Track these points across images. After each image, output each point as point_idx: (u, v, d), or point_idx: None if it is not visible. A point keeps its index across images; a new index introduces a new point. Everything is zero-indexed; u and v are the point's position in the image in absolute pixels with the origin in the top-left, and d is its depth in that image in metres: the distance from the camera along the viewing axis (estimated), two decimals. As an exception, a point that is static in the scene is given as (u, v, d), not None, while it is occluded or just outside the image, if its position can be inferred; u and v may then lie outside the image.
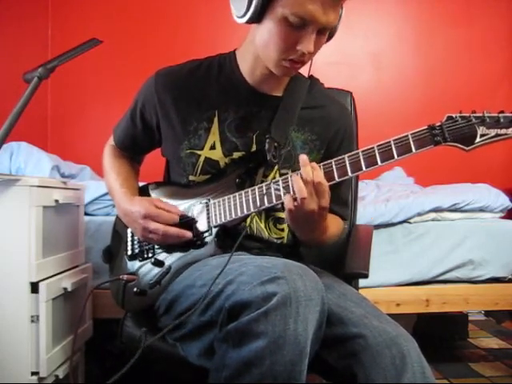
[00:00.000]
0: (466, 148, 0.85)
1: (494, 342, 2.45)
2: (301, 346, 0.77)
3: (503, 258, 1.97)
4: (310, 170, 0.90)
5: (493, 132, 0.84)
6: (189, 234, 1.05)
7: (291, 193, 0.93)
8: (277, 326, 0.76)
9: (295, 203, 0.91)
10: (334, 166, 0.92)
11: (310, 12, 0.92)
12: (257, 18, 0.97)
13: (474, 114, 0.85)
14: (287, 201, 0.93)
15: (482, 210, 2.05)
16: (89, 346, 1.67)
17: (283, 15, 0.93)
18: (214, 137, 1.11)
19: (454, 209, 2.02)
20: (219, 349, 0.82)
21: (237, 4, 0.99)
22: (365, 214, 1.90)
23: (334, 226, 1.14)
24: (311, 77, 1.18)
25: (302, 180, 0.90)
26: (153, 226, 1.05)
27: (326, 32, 0.99)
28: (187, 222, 1.08)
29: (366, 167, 0.90)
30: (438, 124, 0.86)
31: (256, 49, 1.04)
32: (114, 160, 1.25)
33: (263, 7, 0.94)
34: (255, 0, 0.94)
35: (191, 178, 1.13)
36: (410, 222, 1.98)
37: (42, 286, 1.31)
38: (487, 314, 2.60)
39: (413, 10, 3.02)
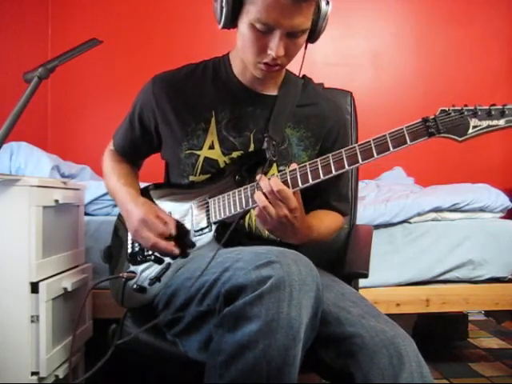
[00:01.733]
0: (459, 139, 0.87)
1: (494, 342, 2.45)
2: (294, 330, 0.77)
3: (503, 257, 1.97)
4: (267, 181, 0.93)
5: (485, 123, 0.86)
6: (176, 252, 1.06)
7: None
8: (270, 309, 0.77)
9: (263, 213, 0.94)
10: (331, 160, 0.94)
11: (271, 18, 0.94)
12: (230, 24, 1.02)
13: (467, 107, 0.87)
14: (257, 214, 0.95)
15: (482, 210, 2.05)
16: (89, 346, 1.67)
17: (250, 22, 0.97)
18: (212, 137, 1.12)
19: (453, 209, 2.02)
20: (216, 334, 0.83)
21: (215, 11, 1.03)
22: (365, 214, 1.90)
23: (329, 221, 1.16)
24: (304, 76, 1.21)
25: (263, 193, 0.94)
26: (144, 233, 1.06)
27: (301, 34, 1.00)
28: (182, 230, 1.09)
29: (363, 160, 0.91)
30: (432, 117, 0.88)
31: None
32: (114, 163, 1.26)
33: (234, 14, 0.99)
34: (225, 8, 0.98)
35: (191, 178, 1.13)
36: (410, 222, 1.98)
37: (42, 286, 1.31)
38: (487, 314, 2.60)
39: (413, 9, 3.02)
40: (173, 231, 1.07)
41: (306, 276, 0.82)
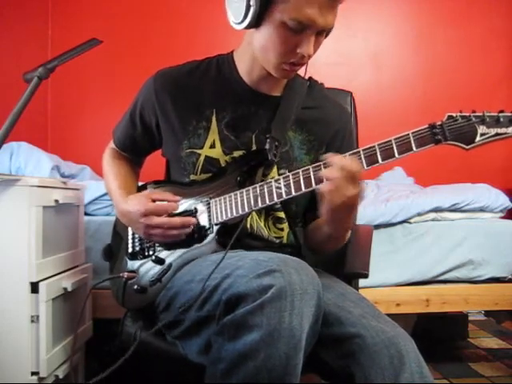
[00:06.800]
0: (466, 147, 0.86)
1: (494, 342, 2.45)
2: (296, 339, 0.77)
3: (503, 257, 1.97)
4: (342, 158, 0.90)
5: (493, 131, 0.85)
6: (193, 220, 1.05)
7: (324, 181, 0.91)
8: (272, 318, 0.77)
9: (330, 188, 0.89)
10: None
11: (308, 16, 0.92)
12: (255, 23, 0.97)
13: (474, 114, 0.85)
14: (329, 188, 0.90)
15: (482, 210, 2.05)
16: (89, 346, 1.67)
17: (281, 20, 0.94)
18: (214, 135, 1.11)
19: (454, 209, 2.02)
20: (215, 342, 0.83)
21: (234, 11, 0.99)
22: (365, 213, 1.90)
23: None
24: (310, 78, 1.19)
25: (336, 167, 0.88)
26: (156, 220, 1.04)
27: (325, 33, 1.00)
28: (188, 214, 1.09)
29: (368, 165, 0.90)
30: (439, 123, 0.86)
31: (253, 51, 1.05)
32: (113, 162, 1.25)
33: (261, 13, 0.95)
34: (253, 7, 0.94)
35: (192, 177, 1.13)
36: (409, 222, 1.98)
37: (41, 286, 1.31)
38: (487, 314, 2.60)
39: (413, 9, 3.02)
40: (175, 204, 1.07)
41: (308, 285, 0.81)
